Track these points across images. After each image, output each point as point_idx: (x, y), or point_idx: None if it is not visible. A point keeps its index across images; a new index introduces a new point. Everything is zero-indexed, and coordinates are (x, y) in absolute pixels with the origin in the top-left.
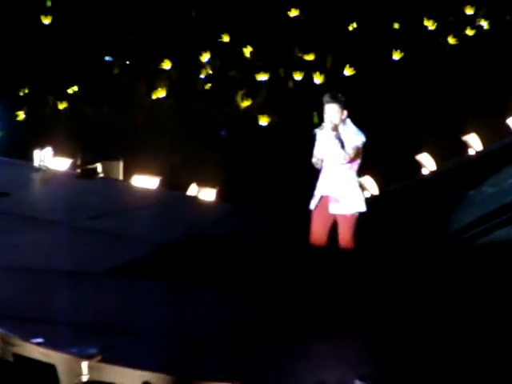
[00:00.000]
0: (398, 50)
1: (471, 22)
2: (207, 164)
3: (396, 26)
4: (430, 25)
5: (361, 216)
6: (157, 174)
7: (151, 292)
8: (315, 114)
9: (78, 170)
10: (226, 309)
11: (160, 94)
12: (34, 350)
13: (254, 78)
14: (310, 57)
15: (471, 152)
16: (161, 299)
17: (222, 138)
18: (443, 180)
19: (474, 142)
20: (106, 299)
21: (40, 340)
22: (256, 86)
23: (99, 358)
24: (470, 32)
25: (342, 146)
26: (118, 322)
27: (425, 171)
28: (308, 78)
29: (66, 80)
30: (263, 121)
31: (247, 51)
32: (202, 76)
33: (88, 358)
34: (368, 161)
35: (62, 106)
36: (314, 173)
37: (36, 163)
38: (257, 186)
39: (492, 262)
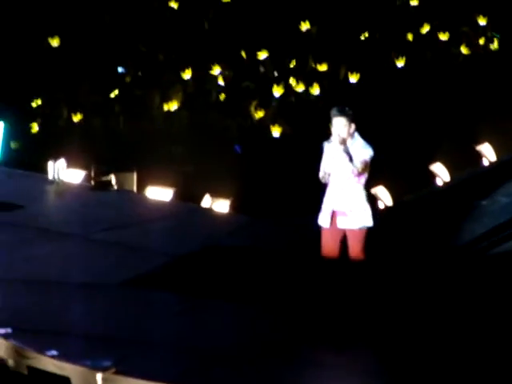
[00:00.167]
0: (404, 57)
1: (484, 32)
2: (221, 175)
3: (410, 37)
4: (444, 37)
5: (372, 228)
6: (170, 185)
7: (165, 304)
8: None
9: (92, 182)
10: (239, 320)
11: (173, 105)
12: (49, 363)
13: (267, 89)
14: (323, 67)
15: (485, 162)
16: (174, 311)
17: (232, 147)
18: (457, 190)
19: (488, 152)
20: (120, 311)
21: (54, 352)
22: (269, 97)
23: (113, 370)
24: (482, 41)
25: (350, 160)
26: (131, 334)
27: (438, 181)
28: (322, 90)
29: (79, 91)
30: (276, 131)
31: (261, 55)
32: (216, 86)
33: (102, 370)
34: (382, 171)
35: (76, 118)
36: (326, 184)
37: (50, 175)
38: (270, 197)
39: (505, 273)
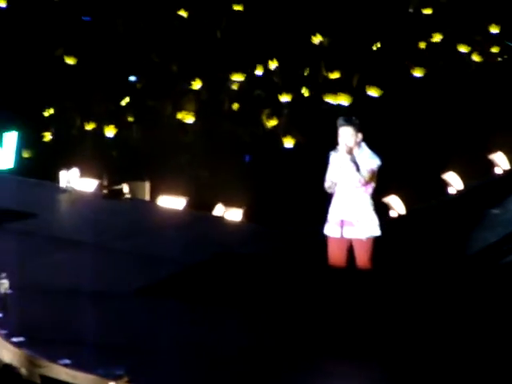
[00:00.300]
0: (422, 68)
1: (497, 40)
2: (233, 184)
3: (422, 45)
4: (463, 48)
5: (384, 236)
6: (183, 194)
7: (178, 312)
8: None
9: (105, 191)
10: (250, 329)
11: (188, 117)
12: (61, 372)
13: (278, 98)
14: (335, 75)
15: (497, 171)
16: (187, 320)
17: (245, 156)
18: (469, 199)
19: (501, 161)
20: (133, 320)
21: (67, 361)
22: (280, 106)
23: (126, 379)
24: (495, 50)
25: (358, 170)
26: (144, 343)
27: (451, 190)
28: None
29: (91, 100)
30: (288, 141)
31: (272, 64)
32: (229, 95)
33: (115, 379)
34: (394, 180)
35: (89, 126)
36: (332, 194)
37: (62, 184)
38: (283, 207)
39: None
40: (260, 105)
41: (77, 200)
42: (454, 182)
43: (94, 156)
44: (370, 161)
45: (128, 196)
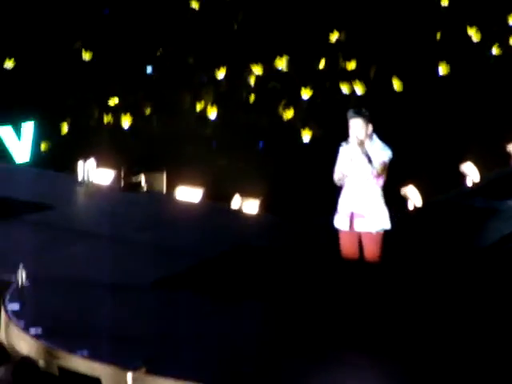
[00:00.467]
0: (444, 62)
1: None
2: (251, 175)
3: (438, 36)
4: (474, 35)
5: (401, 228)
6: (200, 185)
7: (195, 304)
8: None
9: (122, 183)
10: (268, 320)
11: (210, 111)
12: (79, 363)
13: (295, 89)
14: (351, 65)
15: None
16: (204, 311)
17: (262, 147)
18: (487, 190)
19: None
20: (150, 311)
21: (85, 352)
22: (297, 97)
23: (144, 369)
24: None
25: (370, 162)
26: (162, 334)
27: (469, 181)
28: (352, 90)
29: (109, 92)
30: (306, 134)
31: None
32: (247, 87)
33: (133, 369)
34: (412, 171)
35: (107, 118)
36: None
37: (80, 176)
38: (300, 198)
39: None
40: (276, 96)
41: (94, 192)
42: (472, 173)
43: (111, 147)
44: (382, 153)
45: (145, 187)
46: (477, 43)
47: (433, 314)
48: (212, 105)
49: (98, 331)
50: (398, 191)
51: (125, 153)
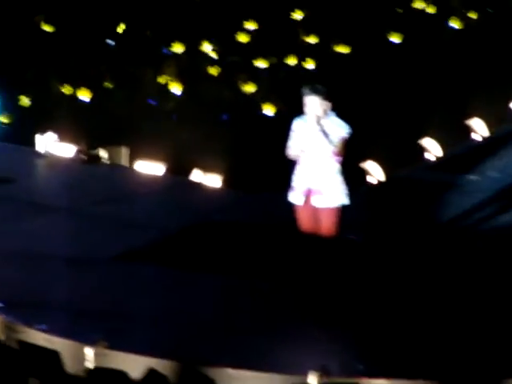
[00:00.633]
0: (397, 33)
1: (475, 5)
2: (213, 150)
3: (400, 10)
4: (432, 10)
5: (361, 203)
6: (161, 159)
7: (155, 278)
8: None
9: (83, 156)
10: (228, 294)
11: (173, 85)
12: (39, 337)
13: (254, 64)
14: (313, 39)
15: (476, 137)
16: (165, 285)
17: (226, 122)
18: (448, 165)
19: (479, 127)
20: (111, 285)
21: (44, 326)
22: (258, 71)
23: (104, 344)
24: (473, 15)
25: (328, 139)
26: (122, 309)
27: (429, 156)
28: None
29: (70, 65)
30: (268, 108)
31: (244, 34)
32: (208, 60)
33: (92, 344)
34: (372, 146)
35: (66, 91)
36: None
37: (40, 149)
38: (262, 172)
39: (495, 248)
40: (237, 70)
41: (54, 165)
42: (433, 148)
43: (71, 121)
44: (339, 129)
45: (106, 161)
46: (436, 16)
47: (390, 289)
48: (174, 79)
49: (58, 305)
50: (359, 166)
51: (86, 126)
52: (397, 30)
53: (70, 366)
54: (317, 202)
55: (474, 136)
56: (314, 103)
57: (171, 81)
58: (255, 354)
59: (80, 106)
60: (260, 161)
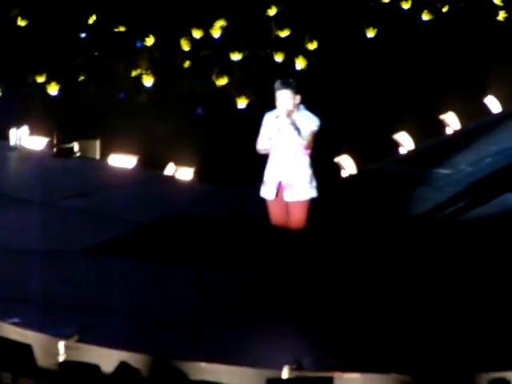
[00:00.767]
0: (371, 27)
1: None
2: (185, 143)
3: (371, 4)
4: (406, 5)
5: (334, 196)
6: (134, 152)
7: (127, 271)
8: None
9: (55, 149)
10: (200, 287)
11: (146, 78)
12: (10, 330)
13: (228, 57)
14: (285, 33)
15: (449, 131)
16: (137, 279)
17: (199, 116)
18: (420, 159)
19: (452, 121)
20: (83, 279)
21: (16, 320)
22: (231, 65)
23: (76, 337)
24: (445, 9)
25: (298, 132)
26: (94, 302)
27: (402, 150)
28: (288, 59)
29: (43, 58)
30: (241, 102)
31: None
32: (181, 54)
33: (65, 337)
34: (346, 140)
35: (38, 83)
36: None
37: (12, 142)
38: (234, 166)
39: (467, 241)
40: (209, 63)
41: (26, 158)
42: (405, 142)
43: (44, 114)
44: (310, 122)
45: (78, 154)
46: (408, 10)
47: (361, 283)
48: (147, 72)
49: (30, 299)
50: (332, 160)
51: (58, 120)
52: (370, 24)
53: (42, 359)
54: (288, 196)
55: (447, 130)
56: (285, 97)
57: (144, 74)
58: (228, 348)
59: (52, 99)
60: (233, 154)
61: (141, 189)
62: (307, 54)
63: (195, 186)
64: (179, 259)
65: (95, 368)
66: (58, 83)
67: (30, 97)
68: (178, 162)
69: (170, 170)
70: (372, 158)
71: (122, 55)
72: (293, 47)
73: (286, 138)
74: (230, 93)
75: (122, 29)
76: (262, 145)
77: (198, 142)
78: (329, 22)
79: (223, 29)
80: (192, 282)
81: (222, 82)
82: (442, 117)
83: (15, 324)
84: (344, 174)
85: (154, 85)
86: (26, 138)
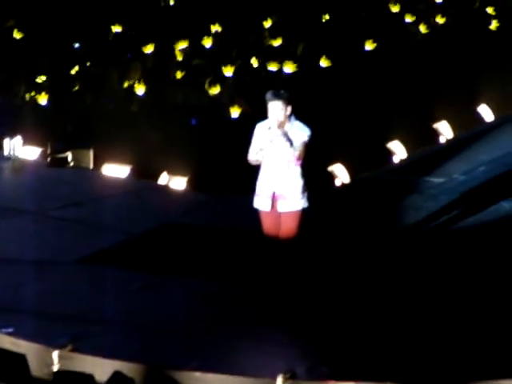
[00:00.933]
0: (371, 40)
1: (441, 9)
2: (179, 152)
3: (363, 14)
4: (397, 10)
5: (328, 205)
6: (127, 162)
7: (121, 281)
8: None
9: (48, 159)
10: (197, 297)
11: (138, 88)
12: (4, 340)
13: (219, 66)
14: (277, 42)
15: (442, 140)
16: (131, 288)
17: (192, 125)
18: (413, 168)
19: (445, 130)
20: (77, 289)
21: (10, 330)
22: (223, 75)
23: (70, 347)
24: (440, 20)
25: (290, 144)
26: (88, 312)
27: (396, 159)
28: (280, 68)
29: (36, 69)
30: (234, 111)
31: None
32: (174, 63)
33: (59, 347)
34: (339, 149)
35: (33, 95)
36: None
37: (6, 152)
38: (228, 175)
39: (460, 250)
40: (202, 73)
41: (20, 168)
42: (399, 151)
43: (37, 124)
44: (302, 133)
45: (72, 164)
46: (403, 21)
47: (355, 292)
48: (139, 81)
49: (24, 309)
50: (325, 169)
51: (52, 130)
52: (365, 36)
53: (36, 369)
54: (282, 206)
55: (441, 139)
56: (277, 108)
57: (137, 83)
58: (222, 357)
59: (46, 109)
60: (226, 163)
61: (134, 198)
62: (300, 62)
63: (188, 196)
64: (173, 269)
65: (89, 378)
66: (51, 93)
67: (24, 107)
68: (172, 172)
69: (164, 179)
70: (365, 166)
71: (115, 65)
72: (286, 56)
73: (277, 149)
74: (222, 102)
75: (115, 37)
76: (253, 156)
77: (191, 152)
78: (323, 31)
79: (216, 37)
80: (185, 292)
81: (215, 90)
82: (435, 125)
83: (9, 334)
84: (337, 182)
85: (147, 94)
86: (19, 148)
